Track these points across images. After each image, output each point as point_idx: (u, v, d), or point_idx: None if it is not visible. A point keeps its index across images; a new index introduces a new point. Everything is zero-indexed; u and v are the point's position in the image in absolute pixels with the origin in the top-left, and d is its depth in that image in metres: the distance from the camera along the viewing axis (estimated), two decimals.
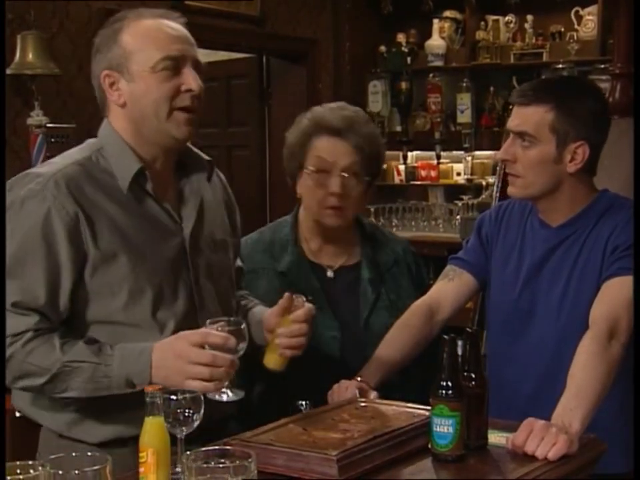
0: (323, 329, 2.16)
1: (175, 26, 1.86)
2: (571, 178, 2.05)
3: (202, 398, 1.60)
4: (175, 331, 1.81)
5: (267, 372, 1.93)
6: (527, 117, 2.04)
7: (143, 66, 1.81)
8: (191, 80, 1.84)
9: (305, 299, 1.93)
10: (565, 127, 2.01)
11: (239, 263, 2.15)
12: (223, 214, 2.08)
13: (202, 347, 1.70)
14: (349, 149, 2.20)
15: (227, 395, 1.76)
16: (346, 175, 2.19)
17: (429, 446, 1.64)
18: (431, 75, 5.73)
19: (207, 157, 2.03)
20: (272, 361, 1.91)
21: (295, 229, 2.34)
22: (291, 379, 1.98)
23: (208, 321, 1.77)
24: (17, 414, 1.95)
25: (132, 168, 1.83)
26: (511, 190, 2.12)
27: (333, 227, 2.25)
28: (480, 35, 5.53)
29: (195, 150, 2.02)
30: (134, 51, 1.82)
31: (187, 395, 1.58)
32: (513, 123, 2.07)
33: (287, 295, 1.92)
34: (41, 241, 1.74)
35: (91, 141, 1.92)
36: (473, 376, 1.69)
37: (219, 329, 1.74)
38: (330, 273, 2.29)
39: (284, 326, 1.89)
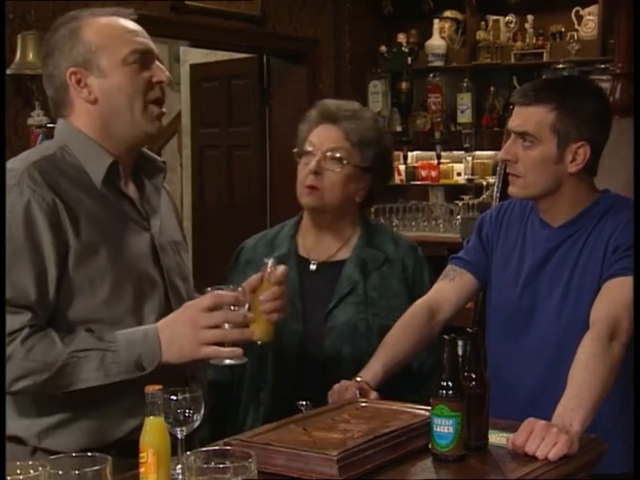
0: (287, 322, 2.15)
1: (131, 22, 1.88)
2: (571, 178, 2.05)
3: (202, 398, 1.60)
4: None
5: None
6: (528, 117, 2.04)
7: (113, 61, 1.82)
8: (160, 72, 1.87)
9: (275, 262, 1.93)
10: (567, 127, 2.01)
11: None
12: (173, 217, 2.08)
13: (211, 310, 1.70)
14: (338, 135, 2.28)
15: (230, 359, 1.76)
16: (328, 155, 2.25)
17: (429, 446, 1.64)
18: (431, 75, 5.73)
19: (159, 158, 2.03)
20: (263, 332, 1.87)
21: (297, 225, 2.40)
22: (255, 370, 2.11)
23: (208, 289, 1.78)
24: None
25: (104, 162, 1.83)
26: (511, 190, 2.11)
27: (310, 209, 2.30)
28: (480, 35, 5.53)
29: (148, 151, 2.01)
30: (100, 46, 1.82)
31: (187, 395, 1.58)
32: (514, 122, 2.07)
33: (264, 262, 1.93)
34: (24, 235, 1.72)
35: (46, 142, 1.92)
36: (474, 376, 1.69)
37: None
38: (312, 266, 2.32)
39: (262, 292, 1.89)
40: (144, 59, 1.85)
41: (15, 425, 1.79)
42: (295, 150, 2.34)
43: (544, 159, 2.03)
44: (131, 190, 1.91)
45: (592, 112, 2.04)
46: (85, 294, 1.76)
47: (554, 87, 2.10)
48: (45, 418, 1.78)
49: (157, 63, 1.88)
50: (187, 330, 1.72)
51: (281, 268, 1.93)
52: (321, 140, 2.28)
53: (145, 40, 1.87)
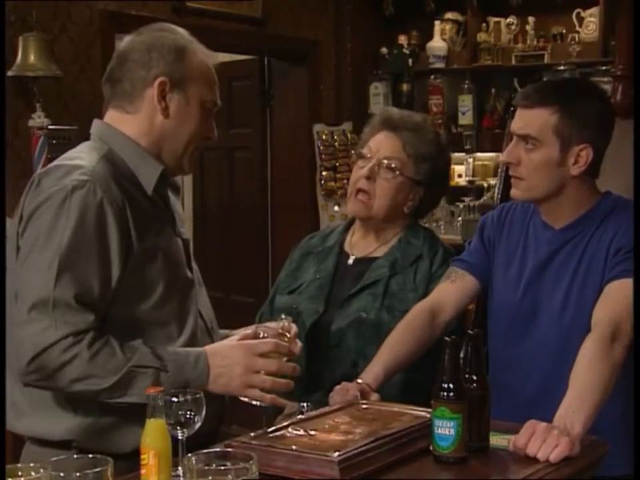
0: (312, 302, 2.30)
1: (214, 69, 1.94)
2: (574, 181, 2.05)
3: (203, 400, 1.60)
4: (192, 332, 1.84)
5: None
6: (530, 119, 2.03)
7: (197, 96, 1.87)
8: (214, 129, 1.94)
9: (290, 319, 1.96)
10: (569, 129, 2.01)
11: None
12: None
13: (266, 356, 1.73)
14: (397, 144, 2.33)
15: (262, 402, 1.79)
16: (383, 164, 2.31)
17: (431, 448, 1.64)
18: (432, 77, 5.72)
19: None
20: (287, 383, 1.86)
21: (351, 222, 2.48)
22: None
23: (259, 327, 1.85)
24: None
25: (156, 170, 1.85)
26: (514, 192, 2.11)
27: (361, 218, 2.38)
28: (481, 36, 5.52)
29: None
30: (195, 78, 1.87)
31: (189, 397, 1.58)
32: (516, 125, 2.07)
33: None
34: (95, 232, 1.72)
35: (89, 143, 1.90)
36: (475, 378, 1.69)
37: (266, 335, 1.81)
38: (350, 261, 2.40)
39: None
40: (212, 110, 1.92)
41: (54, 426, 1.78)
42: (353, 152, 2.41)
43: (546, 161, 2.03)
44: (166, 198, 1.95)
45: (595, 114, 2.03)
46: (139, 296, 1.78)
47: (556, 89, 2.10)
48: (86, 418, 1.78)
49: (213, 119, 1.94)
50: (240, 370, 1.75)
51: (295, 327, 1.94)
52: (379, 147, 2.34)
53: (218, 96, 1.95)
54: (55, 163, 1.85)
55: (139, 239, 1.77)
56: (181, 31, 1.92)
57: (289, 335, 1.87)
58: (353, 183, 2.36)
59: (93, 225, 1.72)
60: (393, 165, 2.31)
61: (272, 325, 1.94)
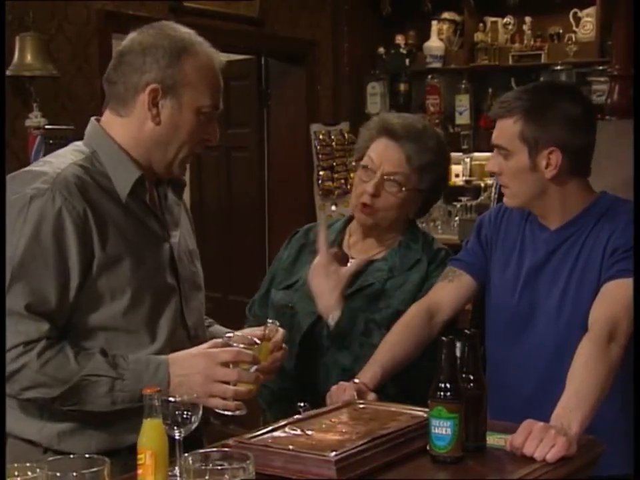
0: (307, 303, 2.26)
1: (219, 70, 1.88)
2: (554, 183, 2.06)
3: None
4: (166, 339, 1.81)
5: None
6: (500, 129, 2.08)
7: (192, 103, 1.82)
8: (215, 133, 1.88)
9: (277, 324, 1.97)
10: (534, 134, 2.02)
11: None
12: (189, 225, 2.08)
13: (228, 364, 1.71)
14: (399, 157, 2.28)
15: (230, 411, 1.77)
16: (387, 179, 2.27)
17: (428, 447, 1.64)
18: (429, 77, 5.72)
19: None
20: (249, 391, 1.84)
21: (348, 222, 2.44)
22: None
23: (230, 334, 1.81)
24: None
25: (132, 176, 1.82)
26: (504, 200, 2.17)
27: (364, 225, 2.34)
28: (478, 36, 5.53)
29: None
30: (192, 83, 1.82)
31: (185, 397, 1.58)
32: (493, 135, 2.11)
33: (262, 328, 1.96)
34: (51, 241, 1.71)
35: (78, 143, 1.89)
36: (472, 377, 1.69)
37: (241, 345, 1.79)
38: (349, 263, 2.35)
39: (260, 355, 1.88)
40: (213, 114, 1.86)
41: (26, 428, 1.79)
42: (354, 158, 2.39)
43: (520, 169, 2.05)
44: (154, 201, 1.91)
45: (559, 116, 2.03)
46: (105, 303, 1.76)
47: (520, 97, 2.09)
48: (57, 423, 1.77)
49: (216, 121, 1.89)
50: (200, 379, 1.73)
51: (281, 332, 1.95)
52: (381, 160, 2.28)
53: (221, 96, 1.88)
54: (28, 167, 1.85)
55: (102, 246, 1.74)
56: (184, 30, 1.86)
57: (259, 342, 1.84)
58: (357, 196, 2.31)
59: (49, 234, 1.70)
60: (398, 180, 2.27)
61: (255, 330, 1.94)
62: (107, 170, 1.82)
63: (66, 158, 1.83)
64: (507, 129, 2.06)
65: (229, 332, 1.95)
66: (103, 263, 1.75)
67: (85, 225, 1.73)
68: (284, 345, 1.97)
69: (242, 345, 1.81)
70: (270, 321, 1.99)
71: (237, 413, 1.77)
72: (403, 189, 2.27)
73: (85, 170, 1.80)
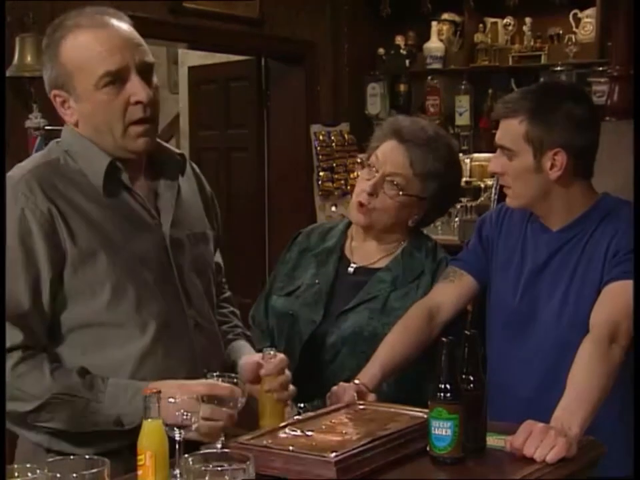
0: (309, 312, 2.25)
1: (113, 31, 1.78)
2: (558, 184, 2.06)
3: (200, 400, 1.60)
4: (157, 331, 1.78)
5: None
6: (505, 130, 2.07)
7: (85, 85, 1.76)
8: (138, 90, 1.76)
9: (274, 350, 1.94)
10: (539, 135, 2.02)
11: (218, 258, 2.12)
12: (200, 206, 2.02)
13: (202, 398, 1.66)
14: (403, 160, 2.25)
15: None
16: (387, 180, 2.24)
17: (428, 448, 1.64)
18: (429, 78, 5.72)
19: (178, 151, 1.99)
20: (273, 421, 1.84)
21: (349, 225, 2.42)
22: None
23: (207, 375, 1.75)
24: None
25: (102, 162, 1.79)
26: (507, 200, 2.16)
27: (358, 224, 2.31)
28: (478, 37, 5.52)
29: (166, 145, 1.97)
30: (74, 69, 1.76)
31: (185, 398, 1.57)
32: (497, 136, 2.10)
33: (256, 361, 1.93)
34: (17, 244, 1.69)
35: (51, 146, 1.88)
36: (472, 378, 1.69)
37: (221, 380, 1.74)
38: (350, 269, 2.33)
39: (267, 383, 1.88)
40: (121, 77, 1.75)
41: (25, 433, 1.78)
42: (361, 156, 2.35)
43: (524, 169, 2.05)
44: (143, 186, 1.87)
45: (567, 117, 2.03)
46: (86, 298, 1.74)
47: (525, 97, 2.09)
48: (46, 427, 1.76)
49: (137, 78, 1.76)
50: (173, 409, 1.64)
51: (280, 356, 1.92)
52: (385, 159, 2.26)
53: (124, 54, 1.76)
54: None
55: (74, 242, 1.72)
56: (71, 14, 1.81)
57: (238, 383, 1.76)
58: (356, 194, 2.29)
59: (14, 235, 1.69)
60: (397, 182, 2.23)
61: (253, 358, 1.93)
62: (80, 165, 1.80)
63: (35, 159, 1.83)
64: (511, 130, 2.05)
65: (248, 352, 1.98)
66: (76, 259, 1.72)
67: (51, 224, 1.71)
68: (286, 371, 1.93)
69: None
70: (265, 349, 1.94)
71: (211, 443, 1.71)
72: (401, 192, 2.24)
73: (53, 169, 1.78)
